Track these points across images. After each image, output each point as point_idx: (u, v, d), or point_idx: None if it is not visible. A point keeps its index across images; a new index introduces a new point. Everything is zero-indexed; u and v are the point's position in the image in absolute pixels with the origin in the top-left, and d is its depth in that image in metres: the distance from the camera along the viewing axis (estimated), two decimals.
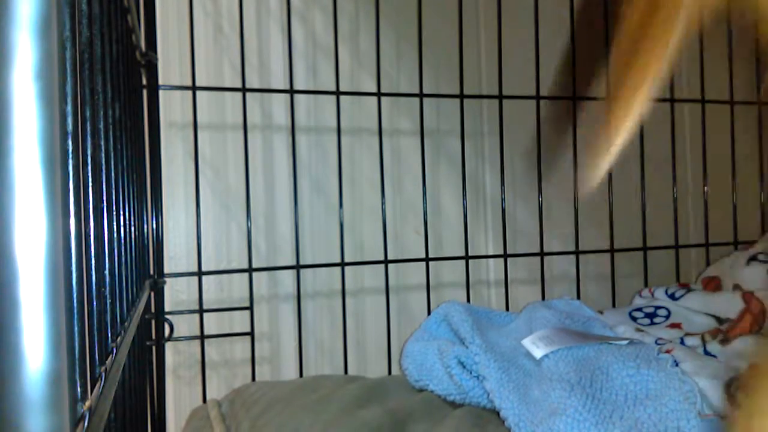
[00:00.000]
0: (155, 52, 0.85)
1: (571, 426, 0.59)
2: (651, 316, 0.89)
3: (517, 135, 1.06)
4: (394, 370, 0.96)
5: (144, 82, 0.84)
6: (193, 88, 0.88)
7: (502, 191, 1.03)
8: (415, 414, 0.71)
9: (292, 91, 0.92)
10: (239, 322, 0.92)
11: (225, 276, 0.92)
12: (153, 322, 0.84)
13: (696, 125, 1.16)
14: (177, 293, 0.89)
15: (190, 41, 0.87)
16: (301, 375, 0.92)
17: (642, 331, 0.81)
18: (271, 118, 0.95)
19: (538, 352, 0.73)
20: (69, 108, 0.21)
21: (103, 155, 0.38)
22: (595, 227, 1.11)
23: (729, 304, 0.83)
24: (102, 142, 0.38)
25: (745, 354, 0.70)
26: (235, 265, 0.92)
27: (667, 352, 0.68)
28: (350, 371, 0.96)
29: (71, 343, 0.20)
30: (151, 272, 0.84)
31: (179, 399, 0.90)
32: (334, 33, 0.95)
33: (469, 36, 1.06)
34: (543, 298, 1.04)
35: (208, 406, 0.82)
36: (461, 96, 1.01)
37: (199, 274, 0.87)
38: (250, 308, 0.89)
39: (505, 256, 1.02)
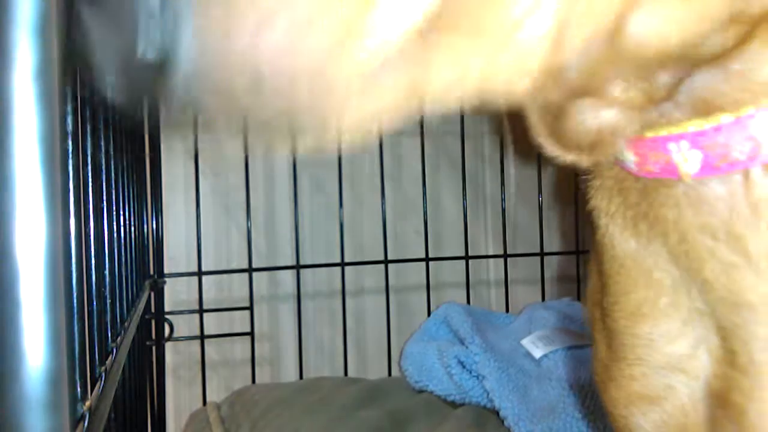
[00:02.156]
0: None
1: (570, 424, 0.59)
2: None
3: (517, 135, 1.06)
4: (394, 371, 0.96)
5: None
6: None
7: (502, 191, 1.03)
8: (415, 414, 0.71)
9: None
10: (239, 322, 0.92)
11: (225, 276, 0.92)
12: (153, 322, 0.84)
13: None
14: (177, 293, 0.89)
15: None
16: (301, 375, 0.92)
17: None
18: None
19: (537, 352, 0.73)
20: (69, 108, 0.21)
21: (103, 155, 0.38)
22: None
23: None
24: (102, 142, 0.38)
25: None
26: (235, 265, 0.92)
27: None
28: (350, 371, 0.96)
29: (71, 343, 0.20)
30: (151, 272, 0.84)
31: (179, 399, 0.90)
32: None
33: None
34: (543, 298, 1.04)
35: (207, 408, 0.82)
36: None
37: (199, 274, 0.87)
38: (250, 308, 0.89)
39: (505, 256, 1.02)
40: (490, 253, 1.06)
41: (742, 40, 0.25)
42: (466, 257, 1.00)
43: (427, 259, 0.98)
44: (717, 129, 0.26)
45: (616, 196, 0.30)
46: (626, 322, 0.31)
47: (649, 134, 0.28)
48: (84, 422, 0.23)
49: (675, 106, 0.27)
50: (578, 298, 1.04)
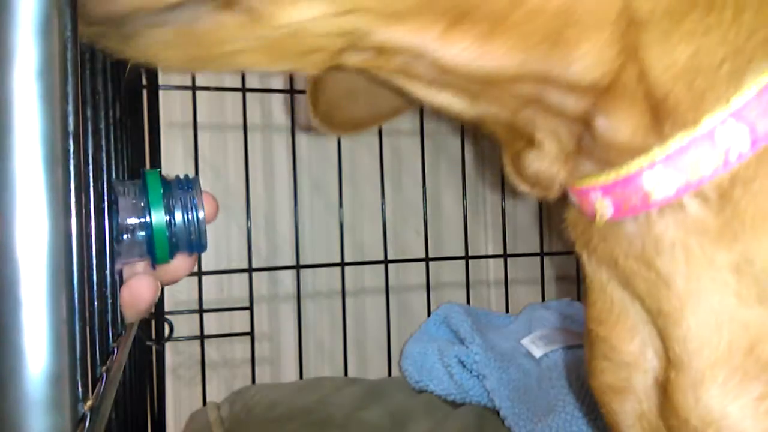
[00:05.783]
0: None
1: (568, 422, 0.59)
2: None
3: None
4: (394, 371, 0.96)
5: (144, 82, 0.84)
6: (193, 88, 0.88)
7: (502, 191, 1.03)
8: (415, 414, 0.71)
9: (292, 91, 0.92)
10: (239, 322, 0.92)
11: (225, 276, 0.92)
12: (153, 322, 0.84)
13: None
14: (177, 293, 0.89)
15: None
16: (301, 375, 0.92)
17: None
18: (271, 118, 0.95)
19: (537, 352, 0.73)
20: (70, 108, 0.21)
21: (104, 155, 0.38)
22: None
23: None
24: (103, 142, 0.38)
25: None
26: (235, 265, 0.92)
27: None
28: (350, 371, 0.96)
29: (72, 343, 0.20)
30: None
31: (179, 399, 0.90)
32: None
33: None
34: (543, 298, 1.04)
35: (207, 409, 0.82)
36: None
37: (199, 274, 0.87)
38: (250, 308, 0.89)
39: (505, 256, 1.02)
40: (490, 253, 1.06)
41: (598, 108, 0.31)
42: (466, 257, 1.00)
43: (427, 259, 0.98)
44: (616, 183, 0.32)
45: (577, 229, 0.37)
46: (594, 326, 0.37)
47: (578, 184, 0.34)
48: (85, 422, 0.23)
49: (586, 159, 0.33)
50: (578, 298, 1.04)
